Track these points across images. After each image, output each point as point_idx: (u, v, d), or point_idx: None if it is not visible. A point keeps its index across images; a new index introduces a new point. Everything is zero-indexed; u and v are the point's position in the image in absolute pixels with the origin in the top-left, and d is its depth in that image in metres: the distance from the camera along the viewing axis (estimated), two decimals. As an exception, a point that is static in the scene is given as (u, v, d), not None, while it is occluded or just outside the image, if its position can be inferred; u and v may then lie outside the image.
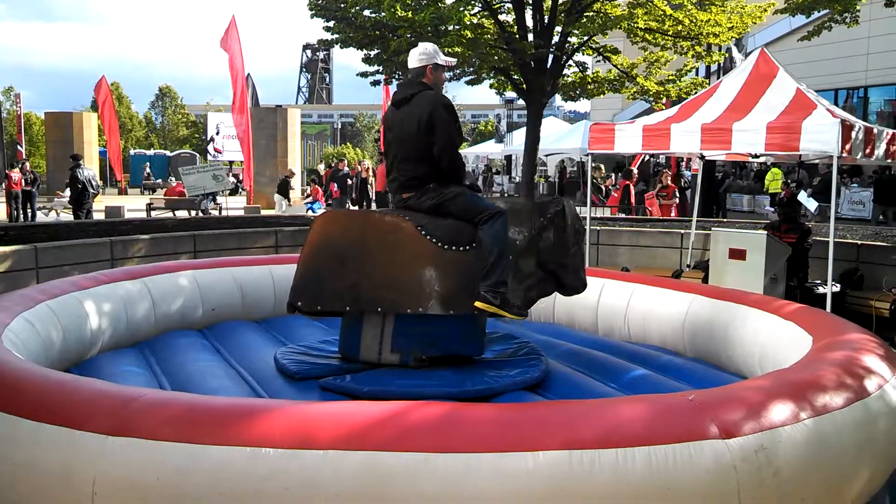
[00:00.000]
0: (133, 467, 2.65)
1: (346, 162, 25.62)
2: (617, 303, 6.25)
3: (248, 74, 25.08)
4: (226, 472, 2.58)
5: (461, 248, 4.58)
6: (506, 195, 30.82)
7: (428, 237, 4.57)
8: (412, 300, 4.52)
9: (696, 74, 16.26)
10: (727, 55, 14.58)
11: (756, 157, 9.40)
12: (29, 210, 19.58)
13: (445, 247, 4.56)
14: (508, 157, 36.31)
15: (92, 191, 16.11)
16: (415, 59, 4.79)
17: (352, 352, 4.80)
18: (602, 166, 27.14)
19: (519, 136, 29.08)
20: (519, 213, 4.85)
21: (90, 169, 17.99)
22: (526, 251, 4.80)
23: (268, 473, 2.56)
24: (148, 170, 38.76)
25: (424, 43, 4.85)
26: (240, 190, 28.75)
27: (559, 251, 4.89)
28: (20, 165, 20.05)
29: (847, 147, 7.07)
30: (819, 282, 8.29)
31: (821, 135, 7.03)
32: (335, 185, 21.44)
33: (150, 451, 2.65)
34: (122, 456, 2.67)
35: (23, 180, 19.21)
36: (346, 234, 4.69)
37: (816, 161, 11.18)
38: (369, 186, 20.50)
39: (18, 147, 25.61)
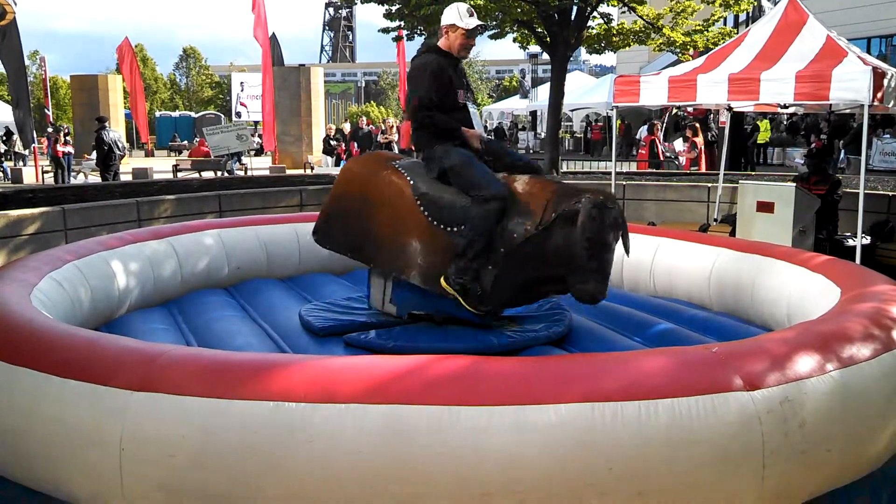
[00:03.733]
0: (159, 422, 2.68)
1: (367, 120, 25.48)
2: (642, 257, 6.19)
3: (273, 34, 24.95)
4: (249, 425, 2.60)
5: (450, 229, 4.43)
6: (531, 152, 30.61)
7: (422, 209, 4.53)
8: (400, 265, 4.60)
9: (724, 24, 15.94)
10: (756, 3, 14.22)
11: (785, 107, 9.21)
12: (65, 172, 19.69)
13: (435, 223, 4.47)
14: (533, 113, 36.01)
15: (118, 152, 16.16)
16: (445, 18, 4.76)
17: (367, 299, 5.08)
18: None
19: (544, 92, 28.78)
20: (528, 202, 4.30)
21: (116, 131, 18.03)
22: (522, 248, 4.25)
23: (290, 426, 2.58)
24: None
25: (456, 2, 4.76)
26: (265, 151, 28.78)
27: (563, 257, 4.15)
28: (65, 131, 20.19)
29: (879, 95, 6.90)
30: (849, 234, 8.16)
31: (851, 83, 6.87)
32: (355, 143, 21.35)
33: (175, 406, 2.68)
34: (148, 411, 2.70)
35: (57, 145, 19.38)
36: (356, 186, 4.84)
37: (847, 111, 10.93)
38: (394, 145, 20.38)
39: (46, 111, 25.69)
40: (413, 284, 4.60)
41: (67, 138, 20.34)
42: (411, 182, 4.63)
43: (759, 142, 22.60)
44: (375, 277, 4.94)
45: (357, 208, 4.78)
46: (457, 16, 4.66)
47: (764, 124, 22.65)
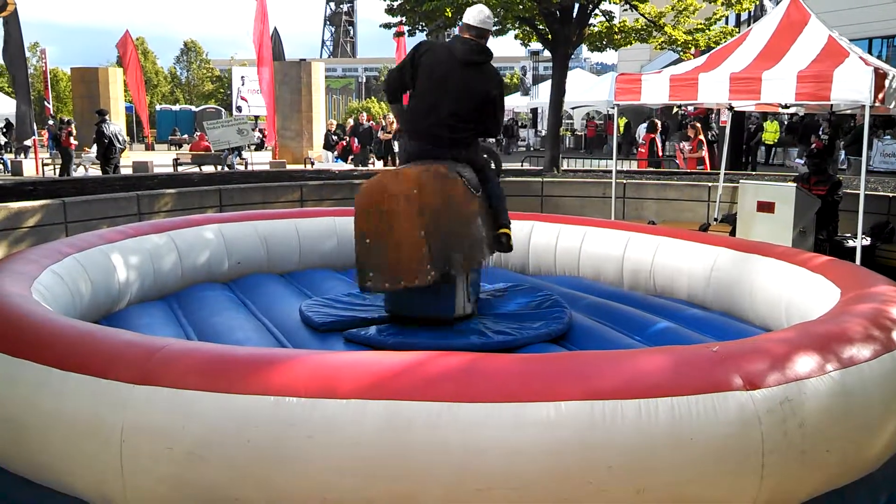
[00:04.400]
0: (159, 416, 2.69)
1: (367, 116, 25.44)
2: (642, 256, 6.21)
3: (275, 29, 24.93)
4: (249, 419, 2.61)
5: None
6: (531, 149, 30.61)
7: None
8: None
9: (726, 23, 15.89)
10: (758, 2, 14.19)
11: (786, 107, 9.21)
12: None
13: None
14: (534, 110, 35.98)
15: (119, 145, 16.14)
16: (479, 19, 4.79)
17: (445, 311, 4.80)
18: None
19: (545, 89, 28.76)
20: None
21: (116, 124, 18.01)
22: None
23: (291, 422, 2.58)
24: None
25: (484, 6, 4.84)
26: (265, 146, 28.76)
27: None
28: (68, 124, 20.18)
29: (880, 96, 6.90)
30: (849, 235, 8.16)
31: (853, 83, 6.87)
32: (356, 139, 21.32)
33: (174, 400, 2.68)
34: (148, 404, 2.71)
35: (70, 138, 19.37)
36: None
37: (848, 111, 10.94)
38: (394, 143, 20.35)
39: (46, 104, 25.66)
40: None
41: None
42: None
43: (765, 142, 22.57)
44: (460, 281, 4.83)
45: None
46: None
47: (773, 125, 22.57)
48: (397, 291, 4.48)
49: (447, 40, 4.92)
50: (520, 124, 38.49)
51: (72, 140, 19.31)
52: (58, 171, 19.71)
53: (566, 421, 2.56)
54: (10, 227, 7.24)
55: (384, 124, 21.19)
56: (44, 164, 20.96)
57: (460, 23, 4.95)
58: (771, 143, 22.83)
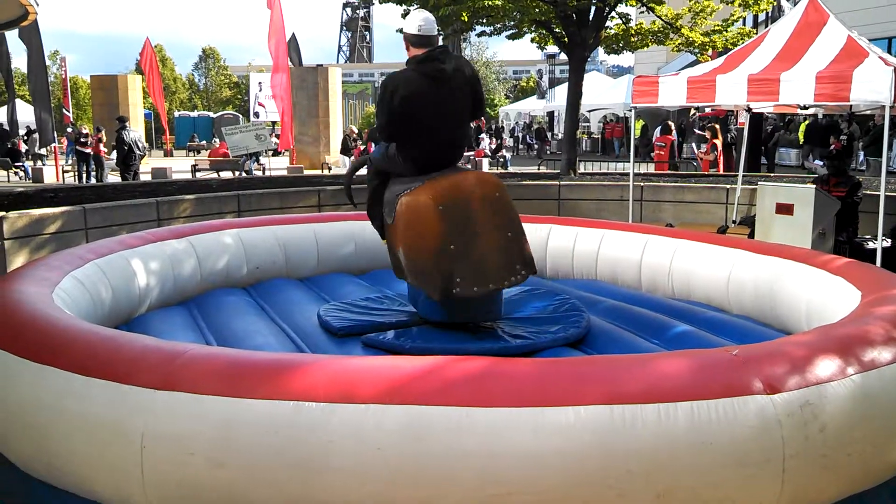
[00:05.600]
0: (180, 421, 2.70)
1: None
2: (660, 259, 6.18)
3: (293, 34, 25.06)
4: (270, 425, 2.62)
5: None
6: (549, 152, 30.55)
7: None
8: None
9: (743, 24, 15.81)
10: (775, 3, 14.12)
11: (805, 108, 9.16)
12: (90, 172, 19.80)
13: None
14: (551, 114, 35.95)
15: (138, 152, 16.30)
16: (434, 27, 4.66)
17: (498, 313, 4.80)
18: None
19: (561, 92, 28.76)
20: None
21: (135, 130, 18.19)
22: None
23: (311, 426, 2.59)
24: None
25: (418, 12, 4.67)
26: (279, 152, 28.90)
27: None
28: (98, 131, 20.33)
29: (901, 96, 6.84)
30: (869, 237, 8.09)
31: (872, 84, 6.82)
32: (373, 144, 21.38)
33: (195, 405, 2.70)
34: (169, 410, 2.73)
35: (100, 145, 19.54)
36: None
37: (868, 112, 10.86)
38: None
39: (65, 111, 25.89)
40: None
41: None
42: None
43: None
44: None
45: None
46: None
47: (803, 126, 21.91)
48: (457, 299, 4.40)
49: (407, 69, 4.63)
50: (535, 128, 38.46)
51: (101, 147, 19.50)
52: (77, 178, 19.87)
53: (586, 425, 2.55)
54: (32, 233, 7.32)
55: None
56: (64, 171, 21.14)
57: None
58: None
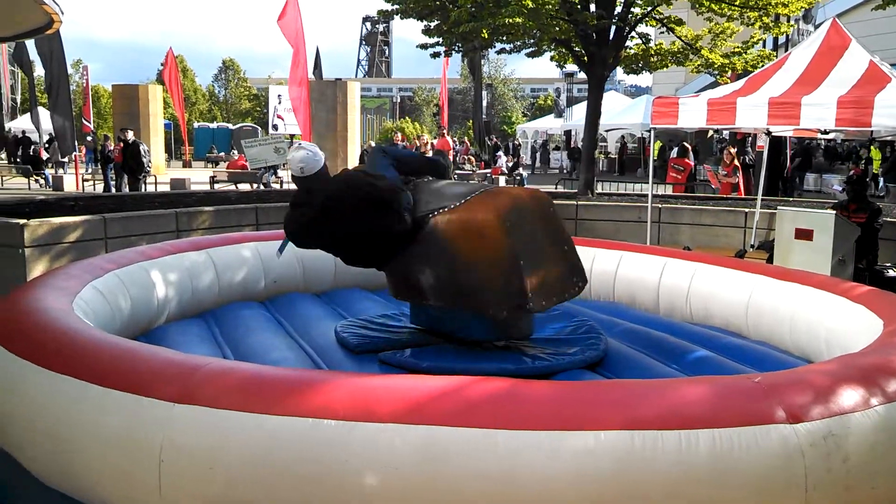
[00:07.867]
0: (198, 435, 2.71)
1: (401, 136, 25.57)
2: (679, 283, 6.15)
3: (316, 48, 25.22)
4: (287, 441, 2.61)
5: None
6: (564, 172, 30.54)
7: None
8: None
9: (763, 47, 15.77)
10: (796, 26, 14.09)
11: (825, 132, 9.10)
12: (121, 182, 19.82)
13: None
14: (567, 132, 35.91)
15: (146, 163, 16.54)
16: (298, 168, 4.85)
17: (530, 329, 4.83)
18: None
19: (578, 111, 28.73)
20: None
21: (142, 143, 18.30)
22: None
23: (329, 444, 2.59)
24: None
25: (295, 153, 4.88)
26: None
27: None
28: (118, 140, 20.42)
29: (923, 123, 6.80)
30: (889, 265, 8.02)
31: (894, 109, 6.78)
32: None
33: (213, 420, 2.70)
34: (188, 423, 2.73)
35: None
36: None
37: (889, 137, 10.79)
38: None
39: (85, 121, 26.08)
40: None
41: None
42: None
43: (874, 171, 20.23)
44: None
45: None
46: None
47: (875, 153, 21.00)
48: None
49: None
50: (554, 146, 38.46)
51: (115, 155, 19.57)
52: (97, 186, 19.99)
53: (606, 450, 2.54)
54: (52, 241, 7.36)
55: (418, 144, 21.30)
56: (84, 180, 21.29)
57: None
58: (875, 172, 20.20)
